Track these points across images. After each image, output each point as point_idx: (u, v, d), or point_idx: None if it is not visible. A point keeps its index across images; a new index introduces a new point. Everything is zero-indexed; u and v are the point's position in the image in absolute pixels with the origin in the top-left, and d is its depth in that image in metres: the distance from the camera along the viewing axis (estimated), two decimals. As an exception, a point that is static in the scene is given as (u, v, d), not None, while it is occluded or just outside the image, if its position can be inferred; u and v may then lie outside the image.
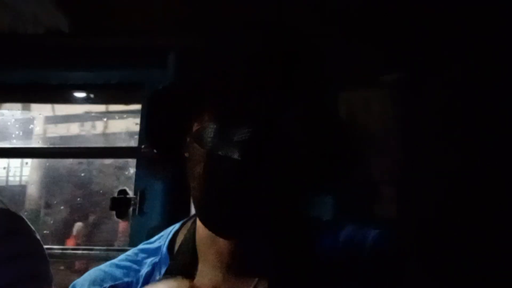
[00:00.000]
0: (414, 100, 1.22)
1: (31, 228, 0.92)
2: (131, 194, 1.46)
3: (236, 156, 0.67)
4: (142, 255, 0.84)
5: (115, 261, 0.86)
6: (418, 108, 1.21)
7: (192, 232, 0.80)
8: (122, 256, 0.87)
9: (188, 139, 0.75)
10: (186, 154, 0.76)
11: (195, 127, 0.74)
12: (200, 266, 0.78)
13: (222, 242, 0.76)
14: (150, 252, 0.83)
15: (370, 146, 1.14)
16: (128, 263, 0.83)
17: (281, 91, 0.71)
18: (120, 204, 1.46)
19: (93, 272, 0.86)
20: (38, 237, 0.92)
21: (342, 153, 0.77)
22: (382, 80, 1.23)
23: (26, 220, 0.92)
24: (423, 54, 1.19)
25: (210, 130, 0.70)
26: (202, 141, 0.70)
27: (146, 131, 0.83)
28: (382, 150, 1.20)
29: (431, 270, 0.84)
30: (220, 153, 0.68)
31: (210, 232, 0.75)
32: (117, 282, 0.81)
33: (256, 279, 0.75)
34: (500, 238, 1.10)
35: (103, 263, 0.86)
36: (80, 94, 1.63)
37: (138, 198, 1.43)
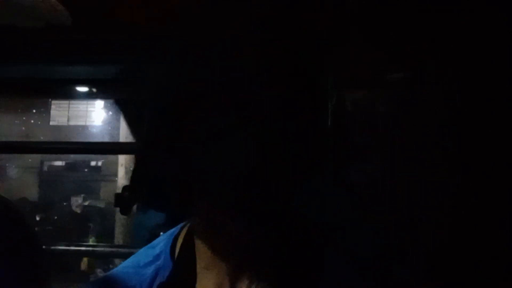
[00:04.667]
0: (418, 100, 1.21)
1: (26, 222, 0.90)
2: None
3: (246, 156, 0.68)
4: (144, 261, 0.84)
5: (117, 268, 0.87)
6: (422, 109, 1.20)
7: (190, 236, 0.80)
8: (124, 263, 0.87)
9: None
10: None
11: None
12: (200, 269, 0.77)
13: (220, 246, 0.75)
14: (152, 258, 0.83)
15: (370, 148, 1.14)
16: (131, 270, 0.84)
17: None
18: (124, 201, 1.45)
19: (96, 283, 0.87)
20: (35, 232, 0.90)
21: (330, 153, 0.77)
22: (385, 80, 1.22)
23: (22, 213, 0.90)
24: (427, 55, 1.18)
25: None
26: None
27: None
28: (382, 151, 1.19)
29: (431, 270, 0.83)
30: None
31: (208, 236, 0.76)
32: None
33: (256, 282, 0.74)
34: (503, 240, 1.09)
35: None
36: (81, 89, 1.62)
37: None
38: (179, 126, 0.72)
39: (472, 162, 1.13)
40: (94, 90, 1.58)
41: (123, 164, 6.98)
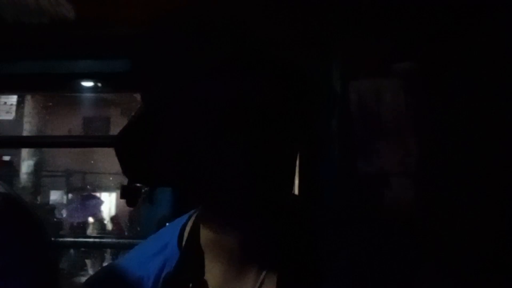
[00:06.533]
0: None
1: (33, 215, 0.89)
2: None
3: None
4: (151, 252, 0.83)
5: (122, 260, 0.87)
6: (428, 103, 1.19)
7: (197, 226, 0.80)
8: (129, 254, 0.87)
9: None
10: None
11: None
12: (208, 260, 0.77)
13: (226, 236, 0.75)
14: (159, 248, 0.82)
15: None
16: (136, 261, 0.83)
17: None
18: (130, 192, 1.45)
19: (103, 271, 0.87)
20: (42, 224, 0.89)
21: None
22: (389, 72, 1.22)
23: (29, 206, 0.90)
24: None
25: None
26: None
27: None
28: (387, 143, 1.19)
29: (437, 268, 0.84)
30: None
31: (214, 227, 0.76)
32: (128, 279, 0.80)
33: (264, 271, 0.75)
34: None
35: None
36: (86, 83, 1.63)
37: (148, 186, 1.42)
38: (181, 122, 0.73)
39: (475, 160, 1.12)
40: (99, 84, 1.59)
41: (26, 158, 7.01)
